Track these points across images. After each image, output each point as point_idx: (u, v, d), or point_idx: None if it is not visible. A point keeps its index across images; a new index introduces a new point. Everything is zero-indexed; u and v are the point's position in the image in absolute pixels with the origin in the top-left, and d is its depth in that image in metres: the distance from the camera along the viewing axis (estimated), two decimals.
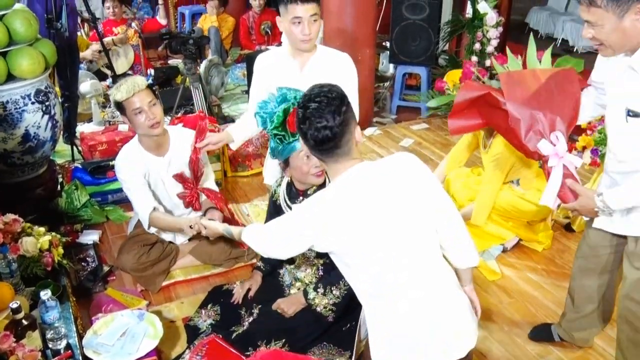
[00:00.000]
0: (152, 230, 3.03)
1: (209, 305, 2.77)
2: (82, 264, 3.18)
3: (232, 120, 5.05)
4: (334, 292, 2.45)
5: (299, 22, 2.53)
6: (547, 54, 2.34)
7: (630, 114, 1.89)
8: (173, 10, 8.00)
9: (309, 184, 2.46)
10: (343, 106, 1.71)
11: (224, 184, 4.08)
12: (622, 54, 1.89)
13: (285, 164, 2.42)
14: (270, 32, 6.59)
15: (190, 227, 2.72)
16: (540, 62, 2.31)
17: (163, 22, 6.21)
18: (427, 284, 1.74)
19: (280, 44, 6.21)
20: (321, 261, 2.57)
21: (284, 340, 2.43)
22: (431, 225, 1.76)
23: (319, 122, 1.67)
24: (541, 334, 2.69)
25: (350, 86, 2.73)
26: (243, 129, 2.86)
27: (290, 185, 2.55)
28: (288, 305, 2.53)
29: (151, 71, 5.96)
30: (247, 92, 5.69)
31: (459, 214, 1.83)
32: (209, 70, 5.62)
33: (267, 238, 1.94)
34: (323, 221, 1.70)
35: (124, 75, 5.73)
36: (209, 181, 3.18)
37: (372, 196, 1.69)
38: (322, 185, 2.39)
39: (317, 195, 1.78)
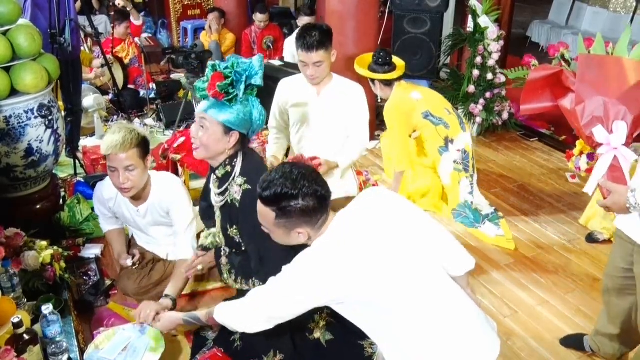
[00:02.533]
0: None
1: None
2: (84, 278, 3.17)
3: None
4: (255, 283, 2.40)
5: (304, 65, 2.95)
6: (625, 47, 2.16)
7: None
8: (175, 25, 8.07)
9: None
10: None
11: None
12: None
13: None
14: (272, 47, 6.62)
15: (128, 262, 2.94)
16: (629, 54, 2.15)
17: (137, 22, 6.57)
18: (444, 305, 1.74)
19: (281, 58, 6.26)
20: (228, 251, 2.51)
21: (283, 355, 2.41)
22: (427, 246, 1.79)
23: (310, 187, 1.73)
24: (573, 342, 2.71)
25: (362, 114, 3.18)
26: (280, 146, 3.32)
27: None
28: None
29: (153, 85, 5.99)
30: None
31: (439, 224, 1.89)
32: None
33: (254, 312, 1.84)
34: (331, 277, 1.68)
35: (126, 89, 5.76)
36: (182, 236, 2.86)
37: (369, 238, 1.71)
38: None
39: (312, 255, 1.73)
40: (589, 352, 2.65)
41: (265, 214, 1.76)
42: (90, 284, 3.11)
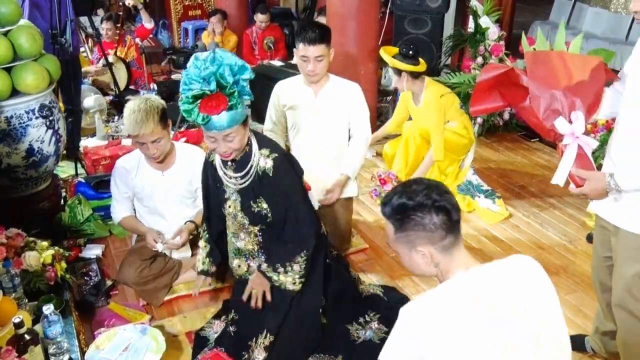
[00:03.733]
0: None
1: (222, 317, 2.77)
2: (85, 278, 3.17)
3: None
4: (294, 267, 2.47)
5: (305, 60, 2.97)
6: (577, 40, 2.28)
7: None
8: (176, 25, 8.07)
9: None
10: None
11: None
12: None
13: None
14: (273, 47, 6.62)
15: (155, 241, 2.93)
16: (567, 49, 2.28)
17: (149, 25, 6.27)
18: None
19: (282, 58, 6.26)
20: (257, 228, 2.55)
21: (273, 336, 2.48)
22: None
23: (434, 194, 1.50)
24: (574, 342, 2.68)
25: (362, 112, 3.19)
26: None
27: None
28: (260, 289, 2.53)
29: (154, 86, 5.98)
30: (250, 106, 5.71)
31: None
32: None
33: None
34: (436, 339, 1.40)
35: (127, 89, 5.76)
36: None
37: (495, 314, 1.42)
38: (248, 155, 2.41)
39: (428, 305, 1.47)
40: (590, 353, 2.65)
41: (387, 228, 1.61)
42: (91, 284, 3.12)
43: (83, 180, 3.93)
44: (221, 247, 2.76)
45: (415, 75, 3.80)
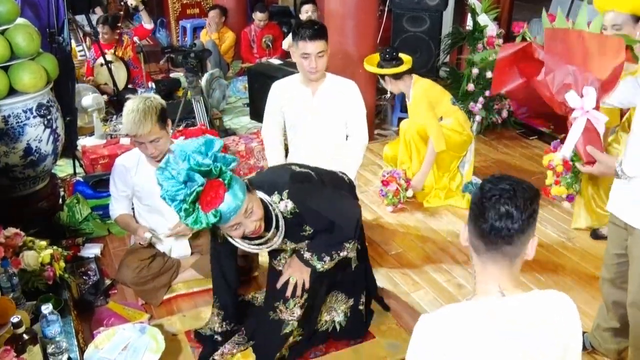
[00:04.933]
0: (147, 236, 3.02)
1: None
2: (84, 277, 3.17)
3: (234, 133, 5.05)
4: (341, 254, 2.42)
5: (307, 57, 2.95)
6: (598, 20, 2.31)
7: None
8: (174, 24, 8.06)
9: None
10: (535, 204, 1.41)
11: None
12: None
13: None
14: (271, 46, 6.61)
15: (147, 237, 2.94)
16: (588, 27, 2.29)
17: (148, 26, 6.21)
18: None
19: (281, 56, 6.26)
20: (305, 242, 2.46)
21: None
22: None
23: (505, 206, 1.37)
24: None
25: (358, 111, 3.18)
26: (281, 157, 3.26)
27: None
28: (300, 276, 2.46)
29: (152, 84, 5.97)
30: (248, 105, 5.71)
31: None
32: (210, 84, 5.64)
33: None
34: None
35: (126, 88, 5.75)
36: None
37: (511, 325, 1.37)
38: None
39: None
40: (589, 349, 2.65)
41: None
42: (90, 283, 3.11)
43: (81, 180, 3.91)
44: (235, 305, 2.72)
45: (398, 77, 3.88)
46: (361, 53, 4.61)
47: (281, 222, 2.27)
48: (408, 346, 1.45)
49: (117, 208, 3.08)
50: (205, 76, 5.54)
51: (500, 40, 2.95)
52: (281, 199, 2.26)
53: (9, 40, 3.03)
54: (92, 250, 3.42)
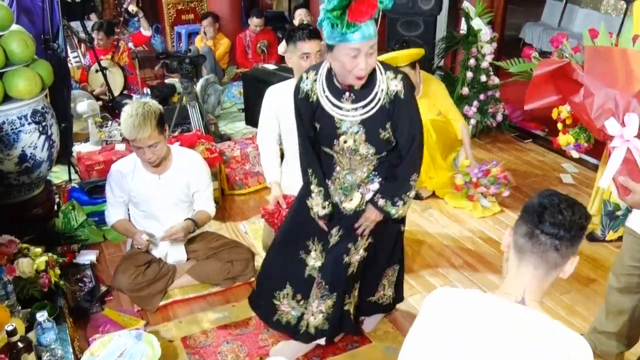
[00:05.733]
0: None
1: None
2: (79, 284, 3.16)
3: (229, 139, 5.05)
4: (410, 194, 2.42)
5: (307, 57, 2.93)
6: None
7: None
8: (169, 29, 8.06)
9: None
10: (587, 223, 1.46)
11: (221, 202, 4.07)
12: None
13: (329, 48, 2.18)
14: (266, 51, 6.63)
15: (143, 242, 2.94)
16: (633, 44, 2.10)
17: (147, 33, 6.23)
18: None
19: (276, 62, 6.26)
20: (379, 156, 2.40)
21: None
22: None
23: (564, 212, 1.41)
24: None
25: None
26: (277, 164, 3.20)
27: (330, 77, 2.31)
28: (374, 222, 2.47)
29: (147, 90, 5.97)
30: (244, 110, 5.71)
31: None
32: (205, 89, 5.64)
33: None
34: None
35: (122, 94, 5.75)
36: (202, 201, 3.11)
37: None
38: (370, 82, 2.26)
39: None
40: None
41: None
42: (86, 290, 3.10)
43: (77, 186, 3.91)
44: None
45: (413, 65, 3.92)
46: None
47: (377, 98, 2.26)
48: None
49: (114, 214, 3.08)
50: (200, 82, 5.55)
51: (536, 53, 2.93)
52: (395, 77, 2.27)
53: (3, 47, 3.02)
54: (87, 257, 3.41)
